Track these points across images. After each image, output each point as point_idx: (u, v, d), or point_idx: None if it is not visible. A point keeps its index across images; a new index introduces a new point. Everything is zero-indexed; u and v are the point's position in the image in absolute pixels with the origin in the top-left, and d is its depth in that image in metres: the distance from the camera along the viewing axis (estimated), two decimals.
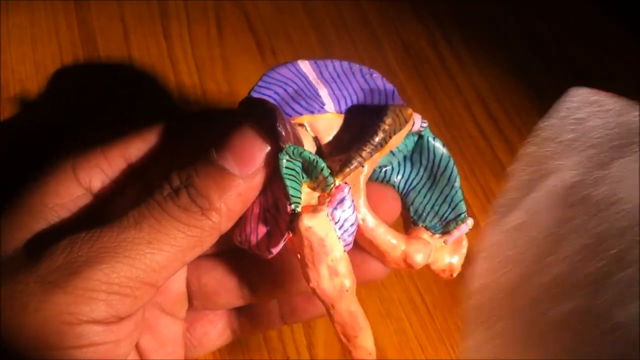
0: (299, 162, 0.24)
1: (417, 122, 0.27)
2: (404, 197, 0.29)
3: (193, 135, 0.27)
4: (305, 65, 0.27)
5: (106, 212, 0.26)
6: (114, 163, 0.27)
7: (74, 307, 0.22)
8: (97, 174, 0.27)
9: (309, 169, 0.24)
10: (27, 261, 0.23)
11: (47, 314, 0.22)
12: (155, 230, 0.23)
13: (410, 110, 0.26)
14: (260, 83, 0.26)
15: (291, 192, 0.23)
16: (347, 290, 0.25)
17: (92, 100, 0.46)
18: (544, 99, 0.49)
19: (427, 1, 0.54)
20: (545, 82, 0.50)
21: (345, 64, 0.27)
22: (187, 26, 0.50)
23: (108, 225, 0.23)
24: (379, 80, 0.27)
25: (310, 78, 0.27)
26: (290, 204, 0.23)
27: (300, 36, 0.51)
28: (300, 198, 0.24)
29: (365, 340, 0.26)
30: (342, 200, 0.24)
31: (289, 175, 0.23)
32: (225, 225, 0.24)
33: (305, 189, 0.25)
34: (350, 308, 0.25)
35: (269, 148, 0.24)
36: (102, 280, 0.22)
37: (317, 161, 0.24)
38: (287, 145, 0.23)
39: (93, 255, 0.22)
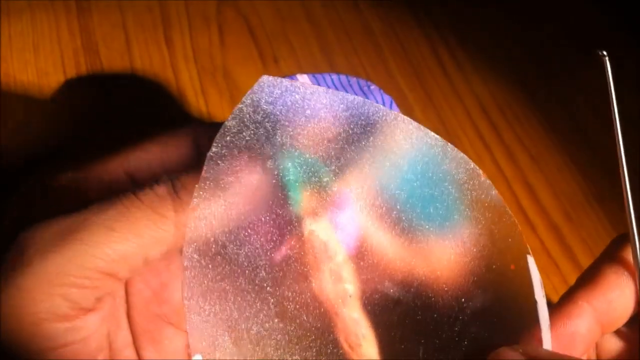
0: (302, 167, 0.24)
1: None
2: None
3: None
4: (303, 79, 0.27)
5: None
6: (114, 174, 0.27)
7: (33, 306, 0.21)
8: (98, 184, 0.26)
9: (310, 173, 0.24)
10: None
11: (17, 318, 0.21)
12: (121, 217, 0.22)
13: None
14: None
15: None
16: (350, 296, 0.25)
17: (94, 108, 0.46)
18: (544, 106, 0.49)
19: (428, 9, 0.54)
20: (545, 90, 0.50)
21: (342, 77, 0.27)
22: (189, 34, 0.50)
23: (73, 213, 0.22)
24: (376, 92, 0.27)
25: None
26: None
27: (302, 44, 0.51)
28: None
29: (369, 349, 0.25)
30: (343, 205, 0.24)
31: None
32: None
33: (306, 194, 0.25)
34: (353, 315, 0.25)
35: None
36: (57, 272, 0.21)
37: (318, 166, 0.24)
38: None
39: (48, 243, 0.22)
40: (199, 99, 0.47)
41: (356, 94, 0.27)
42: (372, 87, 0.27)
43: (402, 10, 0.53)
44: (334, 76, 0.27)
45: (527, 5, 0.55)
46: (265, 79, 0.25)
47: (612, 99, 0.26)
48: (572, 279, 0.27)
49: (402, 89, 0.49)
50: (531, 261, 0.25)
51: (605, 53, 0.26)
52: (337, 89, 0.27)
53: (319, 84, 0.27)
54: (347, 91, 0.27)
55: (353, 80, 0.27)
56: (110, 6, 0.50)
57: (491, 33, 0.53)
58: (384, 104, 0.27)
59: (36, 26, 0.48)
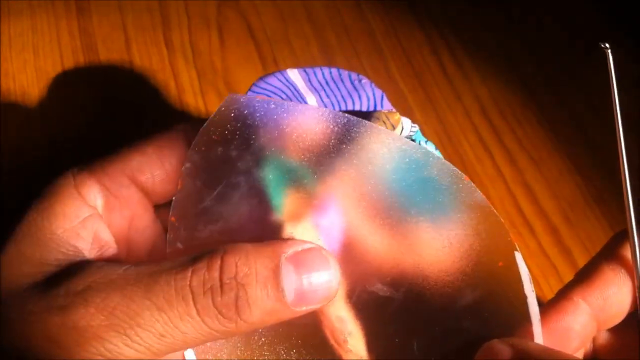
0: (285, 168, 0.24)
1: (407, 126, 0.26)
2: None
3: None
4: (294, 74, 0.27)
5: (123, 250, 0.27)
6: (116, 178, 0.27)
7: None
8: (100, 191, 0.27)
9: (290, 180, 0.24)
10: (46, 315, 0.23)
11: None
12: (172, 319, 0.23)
13: (397, 116, 0.26)
14: (249, 94, 0.27)
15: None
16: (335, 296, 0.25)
17: (93, 109, 0.46)
18: (544, 108, 0.49)
19: (429, 11, 0.54)
20: (545, 90, 0.50)
21: (334, 70, 0.27)
22: (188, 35, 0.50)
23: (134, 298, 0.23)
24: (367, 86, 0.27)
25: (299, 86, 0.27)
26: None
27: (302, 45, 0.51)
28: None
29: (356, 345, 0.25)
30: (327, 208, 0.24)
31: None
32: (228, 334, 0.24)
33: (290, 195, 0.25)
34: (339, 313, 0.25)
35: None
36: None
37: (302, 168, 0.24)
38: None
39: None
40: (198, 99, 0.47)
41: (347, 88, 0.27)
42: (364, 80, 0.27)
43: (402, 12, 0.53)
44: (325, 69, 0.27)
45: (527, 5, 0.54)
46: (231, 97, 0.25)
47: (613, 92, 0.26)
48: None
49: (402, 90, 0.49)
50: (519, 257, 0.25)
51: (607, 46, 0.26)
52: (327, 83, 0.27)
53: (309, 78, 0.27)
54: (337, 86, 0.27)
55: (344, 73, 0.27)
56: (110, 6, 0.50)
57: (491, 33, 0.53)
58: (374, 98, 0.27)
59: (36, 26, 0.48)
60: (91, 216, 0.26)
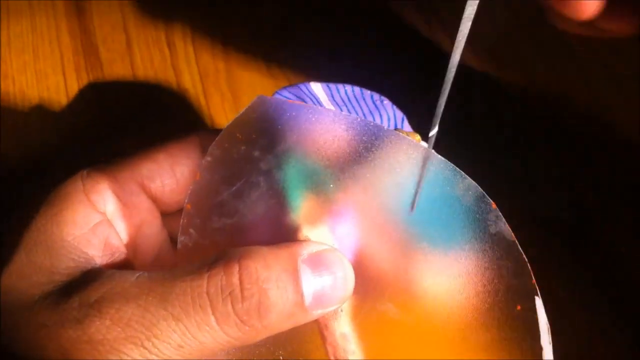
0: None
1: None
2: None
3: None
4: (317, 87, 0.27)
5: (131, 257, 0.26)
6: (126, 185, 0.27)
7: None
8: (109, 197, 0.26)
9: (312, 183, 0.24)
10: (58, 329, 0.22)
11: None
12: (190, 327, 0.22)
13: (418, 137, 0.26)
14: (275, 96, 0.26)
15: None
16: (341, 310, 0.25)
17: (93, 110, 0.45)
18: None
19: None
20: None
21: (356, 89, 0.27)
22: (190, 36, 0.49)
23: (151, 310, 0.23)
24: (389, 107, 0.27)
25: (322, 100, 0.27)
26: None
27: (307, 47, 0.50)
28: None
29: None
30: (345, 215, 0.24)
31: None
32: (247, 340, 0.24)
33: (309, 199, 0.25)
34: (343, 330, 0.25)
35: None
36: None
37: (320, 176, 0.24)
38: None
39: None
40: (201, 100, 0.47)
41: (368, 106, 0.27)
42: (385, 102, 0.27)
43: None
44: (348, 87, 0.27)
45: None
46: (260, 98, 0.25)
47: None
48: None
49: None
50: (539, 304, 0.24)
51: None
52: (350, 100, 0.27)
53: (332, 93, 0.27)
54: (359, 104, 0.26)
55: (367, 93, 0.27)
56: (111, 6, 0.49)
57: None
58: (395, 119, 0.27)
59: (35, 27, 0.47)
60: (101, 222, 0.26)
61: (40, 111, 0.44)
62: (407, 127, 0.27)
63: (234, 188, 0.25)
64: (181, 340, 0.22)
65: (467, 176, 0.25)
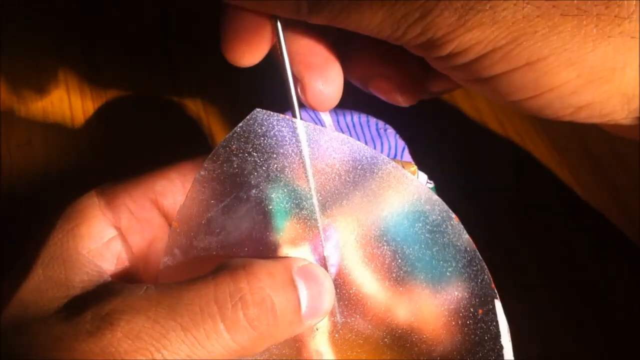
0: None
1: (423, 180, 0.28)
2: None
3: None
4: (324, 112, 0.28)
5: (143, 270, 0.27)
6: (139, 201, 0.27)
7: None
8: (124, 212, 0.27)
9: (296, 204, 0.25)
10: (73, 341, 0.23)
11: None
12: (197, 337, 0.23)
13: (414, 167, 0.27)
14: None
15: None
16: (317, 329, 0.25)
17: (95, 122, 0.46)
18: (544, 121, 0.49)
19: None
20: None
21: (363, 116, 0.28)
22: (192, 47, 0.50)
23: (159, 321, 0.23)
24: (391, 135, 0.28)
25: (327, 124, 0.28)
26: None
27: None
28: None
29: None
30: (328, 239, 0.25)
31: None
32: (253, 349, 0.24)
33: (294, 219, 0.26)
34: (319, 348, 0.25)
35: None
36: None
37: (304, 198, 0.25)
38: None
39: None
40: (201, 111, 0.47)
41: (372, 134, 0.28)
42: (389, 130, 0.28)
43: None
44: (355, 114, 0.28)
45: None
46: (258, 112, 0.25)
47: None
48: None
49: None
50: (498, 306, 0.25)
51: None
52: (354, 127, 0.28)
53: (338, 119, 0.28)
54: (363, 131, 0.28)
55: (372, 121, 0.28)
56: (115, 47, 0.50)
57: None
58: (396, 149, 0.28)
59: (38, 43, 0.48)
60: (115, 237, 0.27)
61: (44, 128, 0.45)
62: (407, 156, 0.28)
63: (223, 204, 0.25)
64: (190, 351, 0.22)
65: (433, 193, 0.26)
